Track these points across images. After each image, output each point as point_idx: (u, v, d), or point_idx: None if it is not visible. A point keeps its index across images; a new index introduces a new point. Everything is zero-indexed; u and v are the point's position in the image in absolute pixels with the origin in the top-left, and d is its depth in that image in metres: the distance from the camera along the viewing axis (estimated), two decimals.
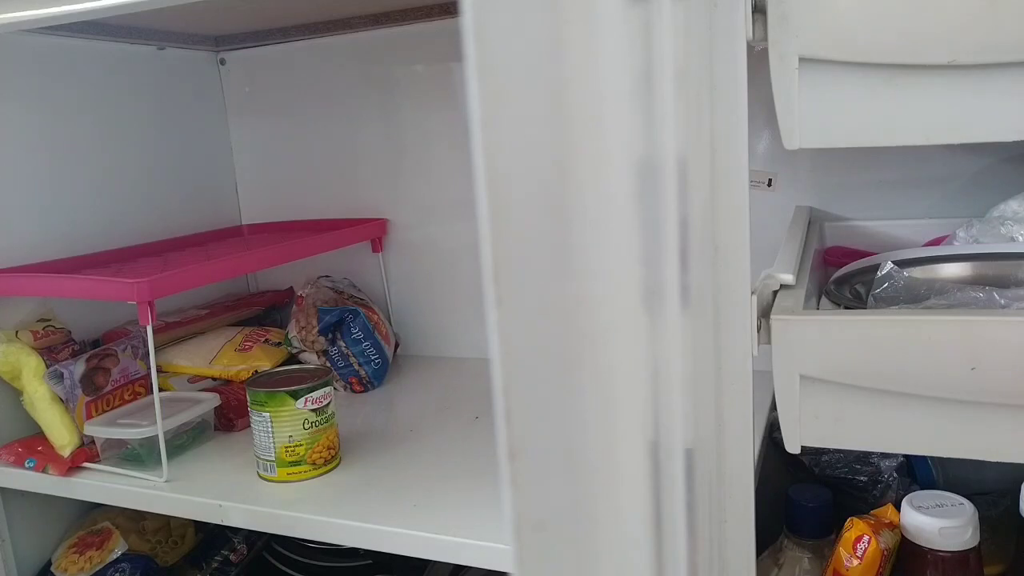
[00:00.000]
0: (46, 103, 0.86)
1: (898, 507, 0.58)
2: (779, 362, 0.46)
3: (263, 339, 0.93)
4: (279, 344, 0.93)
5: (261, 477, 0.70)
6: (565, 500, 0.25)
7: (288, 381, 0.69)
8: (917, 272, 0.57)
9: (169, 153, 1.02)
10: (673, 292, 0.35)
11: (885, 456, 0.74)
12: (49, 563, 0.84)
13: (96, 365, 0.78)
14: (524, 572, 0.26)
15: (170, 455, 0.72)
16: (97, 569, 0.80)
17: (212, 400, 0.79)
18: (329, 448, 0.70)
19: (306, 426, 0.68)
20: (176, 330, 0.92)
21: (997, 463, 0.43)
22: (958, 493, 0.57)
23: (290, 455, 0.68)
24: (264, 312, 1.06)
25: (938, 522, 0.53)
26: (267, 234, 1.05)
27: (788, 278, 0.50)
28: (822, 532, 0.65)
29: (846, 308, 0.56)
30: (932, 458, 0.74)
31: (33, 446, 0.78)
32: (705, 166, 0.45)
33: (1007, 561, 0.60)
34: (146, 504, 0.71)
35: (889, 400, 0.44)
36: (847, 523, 0.59)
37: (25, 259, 0.83)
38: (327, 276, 1.01)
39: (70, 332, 0.82)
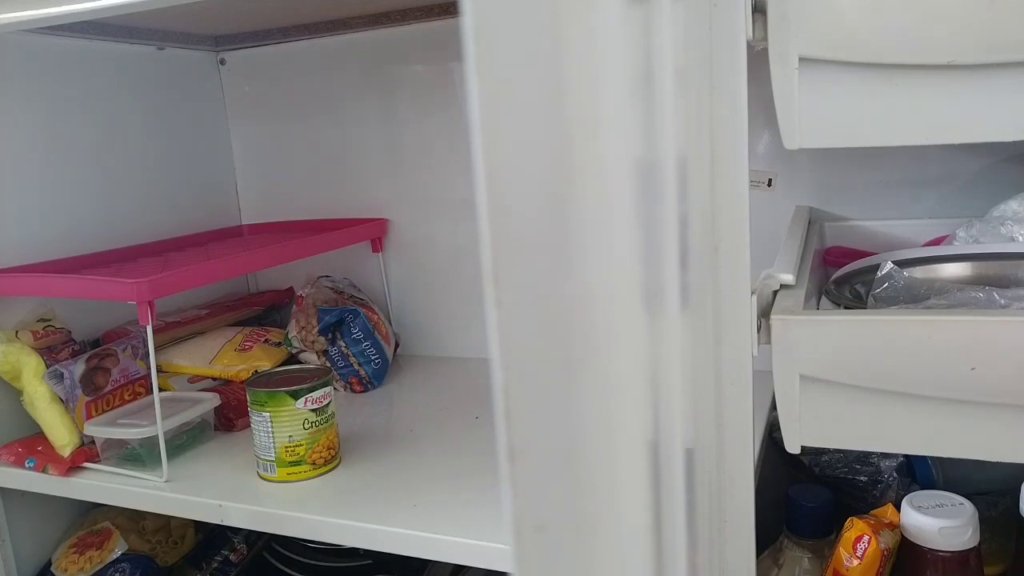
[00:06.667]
0: (46, 103, 0.86)
1: (898, 507, 0.58)
2: (779, 362, 0.46)
3: (263, 339, 0.93)
4: (279, 344, 0.93)
5: (261, 477, 0.70)
6: (565, 500, 0.25)
7: (288, 381, 0.69)
8: (917, 272, 0.57)
9: (169, 153, 1.02)
10: (673, 292, 0.35)
11: (885, 456, 0.74)
12: (49, 563, 0.84)
13: (96, 365, 0.78)
14: (524, 572, 0.26)
15: (170, 455, 0.72)
16: (97, 569, 0.80)
17: (212, 400, 0.79)
18: (329, 448, 0.70)
19: (306, 426, 0.68)
20: (176, 330, 0.92)
21: (997, 463, 0.43)
22: (958, 493, 0.56)
23: (290, 455, 0.68)
24: (264, 312, 1.06)
25: (938, 522, 0.53)
26: (267, 234, 1.05)
27: (788, 278, 0.50)
28: (822, 532, 0.65)
29: (846, 308, 0.56)
30: (932, 458, 0.74)
31: (33, 446, 0.78)
32: (705, 166, 0.45)
33: (1007, 561, 0.60)
34: (146, 504, 0.71)
35: (889, 400, 0.44)
36: (847, 523, 0.59)
37: (25, 259, 0.83)
38: (327, 276, 1.01)
39: (70, 332, 0.82)
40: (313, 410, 0.69)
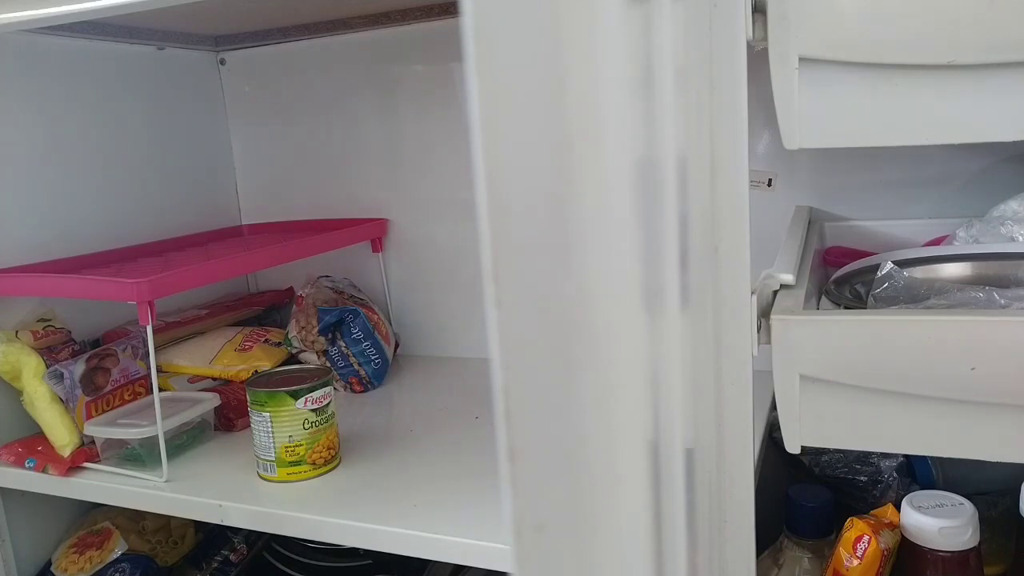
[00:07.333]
0: (46, 103, 0.86)
1: (898, 507, 0.58)
2: (779, 362, 0.46)
3: (263, 339, 0.93)
4: (279, 344, 0.93)
5: (261, 477, 0.70)
6: (565, 500, 0.25)
7: (288, 381, 0.69)
8: (917, 272, 0.57)
9: (169, 153, 1.02)
10: (673, 292, 0.35)
11: (885, 456, 0.74)
12: (49, 563, 0.84)
13: (96, 365, 0.78)
14: (524, 572, 0.26)
15: (170, 455, 0.72)
16: (97, 569, 0.80)
17: (212, 400, 0.79)
18: (329, 448, 0.70)
19: (306, 426, 0.68)
20: (176, 330, 0.92)
21: (997, 463, 0.43)
22: (958, 493, 0.57)
23: (290, 455, 0.68)
24: (264, 312, 1.06)
25: (938, 522, 0.53)
26: (267, 234, 1.05)
27: (788, 278, 0.50)
28: (822, 532, 0.65)
29: (846, 308, 0.56)
30: (932, 458, 0.74)
31: (33, 446, 0.78)
32: (705, 166, 0.45)
33: (1007, 561, 0.60)
34: (146, 504, 0.71)
35: (889, 400, 0.44)
36: (847, 523, 0.59)
37: (25, 259, 0.83)
38: (327, 276, 1.01)
39: (70, 332, 0.82)
40: (313, 410, 0.68)
